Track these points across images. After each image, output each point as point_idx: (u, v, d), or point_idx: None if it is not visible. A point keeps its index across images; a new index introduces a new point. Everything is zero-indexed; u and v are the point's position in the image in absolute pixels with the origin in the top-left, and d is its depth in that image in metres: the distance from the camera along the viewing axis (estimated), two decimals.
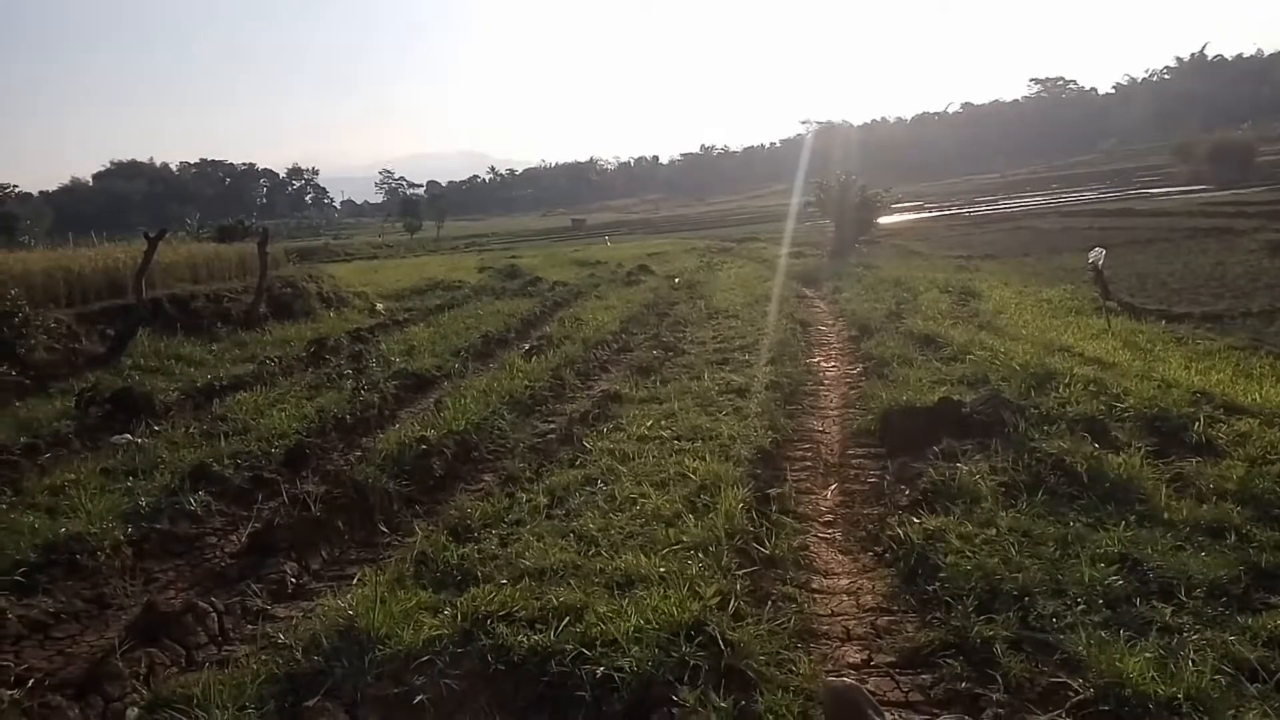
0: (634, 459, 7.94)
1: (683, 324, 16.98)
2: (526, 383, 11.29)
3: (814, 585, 5.58)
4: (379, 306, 24.67)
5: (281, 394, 11.92)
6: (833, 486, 7.43)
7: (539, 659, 4.34)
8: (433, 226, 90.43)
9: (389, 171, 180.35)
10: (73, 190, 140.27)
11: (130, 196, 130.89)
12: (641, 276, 28.70)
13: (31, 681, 4.61)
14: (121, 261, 18.72)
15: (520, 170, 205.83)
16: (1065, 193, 66.17)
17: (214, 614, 5.22)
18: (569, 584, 5.20)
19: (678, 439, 8.55)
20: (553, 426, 9.76)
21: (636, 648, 4.32)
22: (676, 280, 26.47)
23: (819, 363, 12.76)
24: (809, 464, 8.08)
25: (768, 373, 11.15)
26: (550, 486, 7.26)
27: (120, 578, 6.06)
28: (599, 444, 8.48)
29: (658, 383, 11.36)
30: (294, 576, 6.05)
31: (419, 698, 4.16)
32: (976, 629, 4.52)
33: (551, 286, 27.28)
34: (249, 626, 5.31)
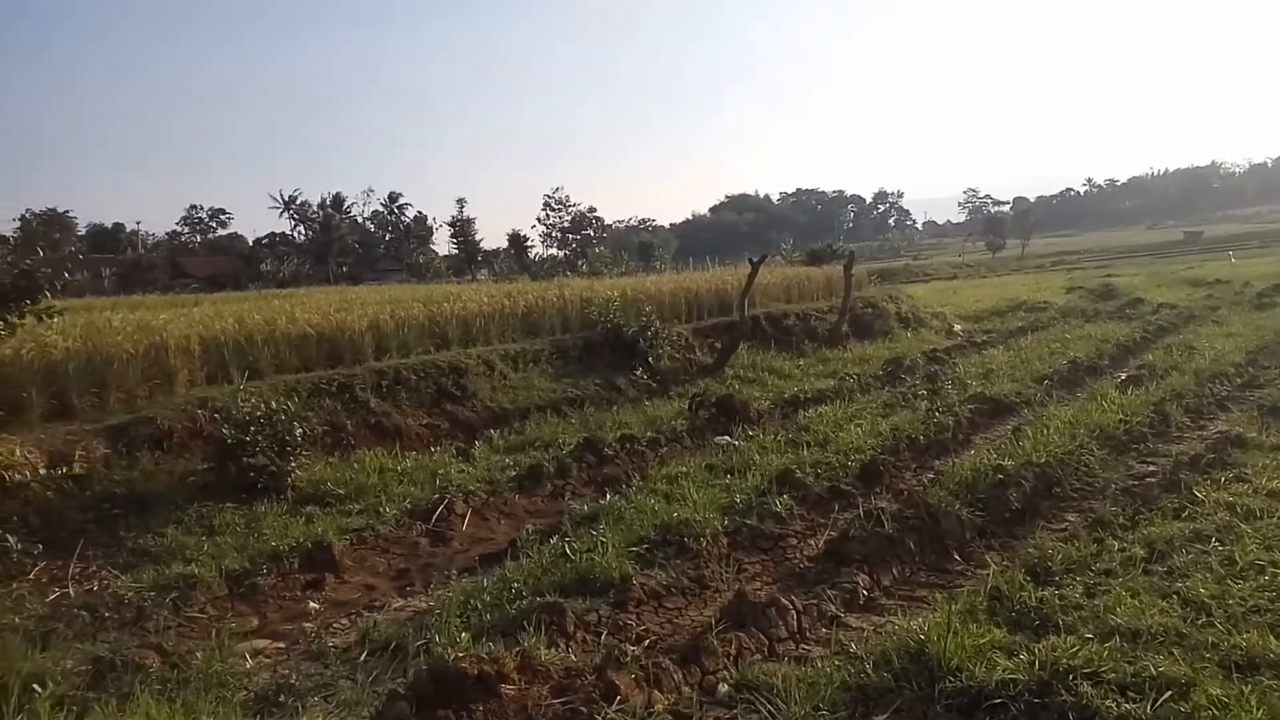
0: (1261, 518, 6.65)
1: None
2: (1121, 416, 10.17)
3: None
4: (956, 328, 24.31)
5: (858, 409, 12.42)
6: None
7: None
8: (1016, 244, 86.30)
9: (974, 190, 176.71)
10: (693, 221, 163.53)
11: (738, 226, 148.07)
12: (1278, 298, 23.94)
13: (647, 642, 5.45)
14: (728, 283, 21.31)
15: (1122, 180, 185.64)
16: None
17: (793, 611, 5.61)
18: (1170, 653, 4.54)
19: None
20: (1153, 469, 8.64)
21: None
22: None
23: None
24: None
25: None
26: (1148, 537, 6.42)
27: (716, 563, 6.86)
28: (1213, 495, 7.26)
29: None
30: (865, 589, 6.24)
31: None
32: None
33: (1155, 309, 24.24)
34: (823, 630, 5.61)
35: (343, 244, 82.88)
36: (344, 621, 6.52)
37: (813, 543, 7.36)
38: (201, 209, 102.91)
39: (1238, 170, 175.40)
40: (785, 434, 11.01)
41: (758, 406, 12.87)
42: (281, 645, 6.13)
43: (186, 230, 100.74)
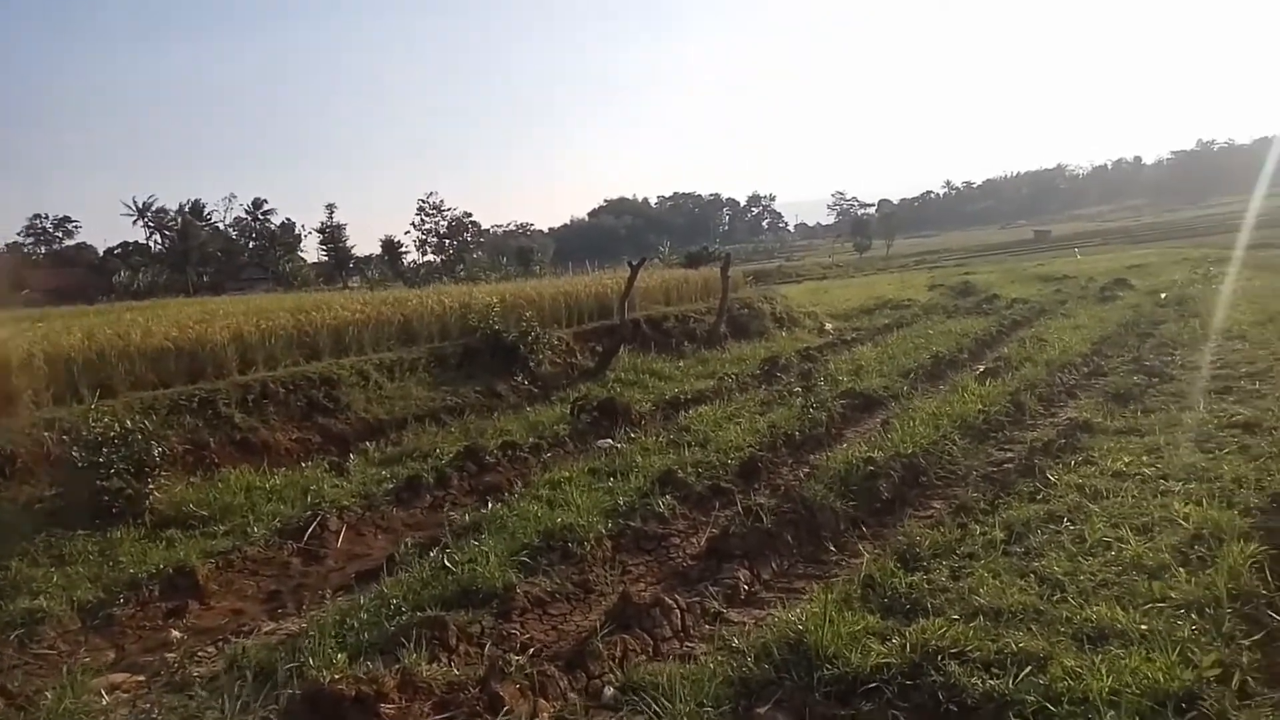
0: (1107, 497, 7.10)
1: (1171, 346, 14.85)
2: (981, 407, 10.70)
3: None
4: (828, 326, 25.14)
5: (737, 408, 12.67)
6: None
7: (995, 706, 4.05)
8: (882, 245, 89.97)
9: (841, 193, 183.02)
10: (572, 226, 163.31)
11: (617, 230, 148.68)
12: (1118, 292, 25.77)
13: (532, 650, 5.40)
14: (608, 287, 21.39)
15: (978, 182, 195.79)
16: None
17: (677, 610, 5.66)
18: (1029, 629, 4.80)
19: (1163, 478, 7.47)
20: (1010, 455, 9.12)
21: (1112, 712, 3.84)
22: (1163, 295, 23.28)
23: None
24: None
25: None
26: (1007, 520, 6.76)
27: (601, 567, 6.86)
28: (1065, 478, 7.73)
29: (1138, 412, 10.05)
30: (746, 584, 6.35)
31: None
32: None
33: (1009, 304, 25.65)
34: (707, 626, 5.68)
35: (203, 252, 79.21)
36: (210, 649, 6.19)
37: (695, 541, 7.45)
38: (45, 218, 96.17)
39: (1081, 173, 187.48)
40: (667, 435, 11.12)
41: (639, 409, 12.95)
42: (141, 678, 5.77)
43: (30, 241, 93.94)
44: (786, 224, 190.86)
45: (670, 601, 5.70)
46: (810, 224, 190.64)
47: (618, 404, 12.74)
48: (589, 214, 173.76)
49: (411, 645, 5.08)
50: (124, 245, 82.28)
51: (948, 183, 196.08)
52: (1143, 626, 4.64)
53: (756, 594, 6.30)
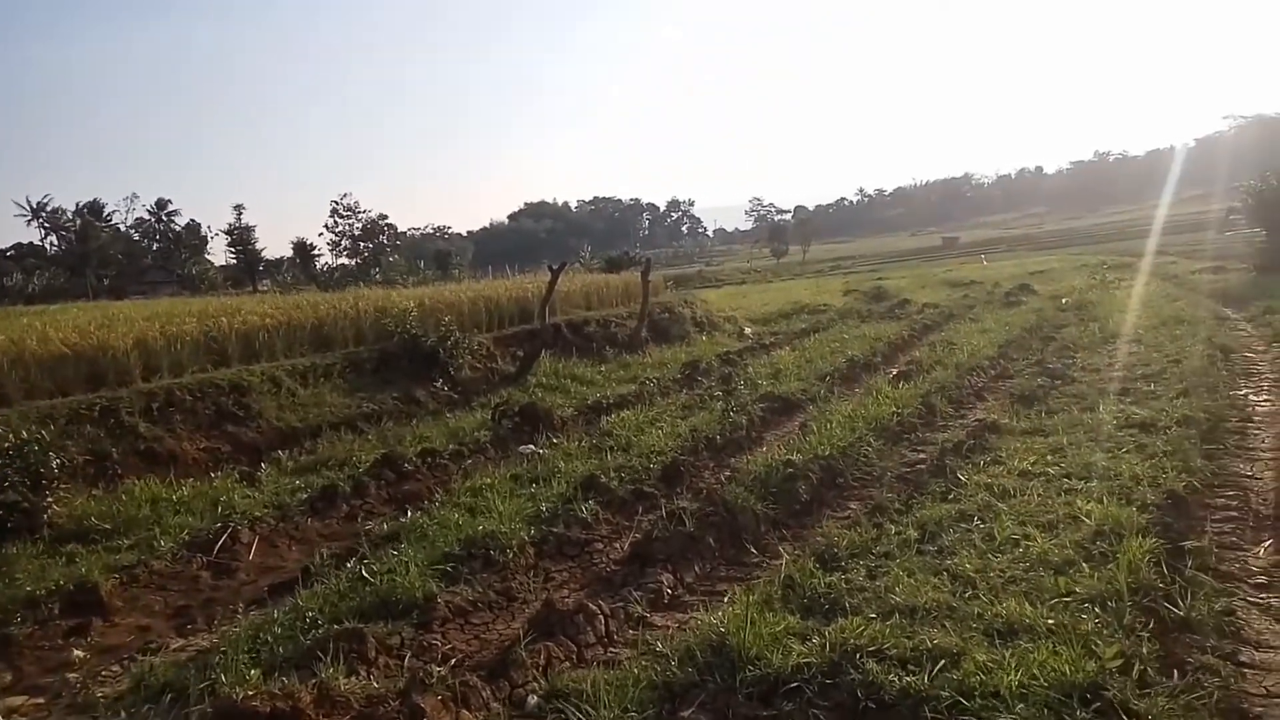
0: (1015, 496, 7.35)
1: (1072, 349, 15.48)
2: (894, 409, 10.95)
3: (1243, 658, 4.75)
4: (747, 330, 25.44)
5: (659, 413, 12.71)
6: (1267, 543, 6.30)
7: (912, 702, 4.15)
8: (798, 251, 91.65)
9: (758, 199, 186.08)
10: (491, 229, 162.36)
11: (537, 233, 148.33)
12: (1022, 297, 26.72)
13: (454, 661, 5.33)
14: (529, 291, 21.25)
15: (889, 190, 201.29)
16: None
17: (601, 616, 5.65)
18: (943, 626, 4.93)
19: (1067, 477, 7.77)
20: (923, 456, 9.37)
21: (1022, 705, 3.98)
22: (1064, 300, 24.24)
23: (1246, 396, 10.92)
24: (1235, 515, 6.92)
25: (1179, 406, 9.76)
26: (921, 520, 6.94)
27: (524, 574, 6.80)
28: (974, 477, 7.97)
29: (1042, 413, 10.43)
30: (669, 587, 6.38)
31: None
32: None
33: (920, 309, 26.32)
34: (630, 631, 5.68)
35: (103, 255, 75.83)
36: (115, 668, 5.92)
37: (618, 546, 7.45)
38: None
39: (987, 181, 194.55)
40: (589, 440, 11.09)
41: (561, 414, 12.89)
42: (41, 700, 5.50)
43: None
44: (706, 229, 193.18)
45: (594, 607, 5.69)
46: (729, 229, 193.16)
47: (539, 409, 12.67)
48: (509, 217, 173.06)
49: (329, 659, 4.96)
50: (17, 247, 78.55)
51: (861, 190, 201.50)
52: (1049, 621, 4.81)
53: (680, 597, 6.33)
